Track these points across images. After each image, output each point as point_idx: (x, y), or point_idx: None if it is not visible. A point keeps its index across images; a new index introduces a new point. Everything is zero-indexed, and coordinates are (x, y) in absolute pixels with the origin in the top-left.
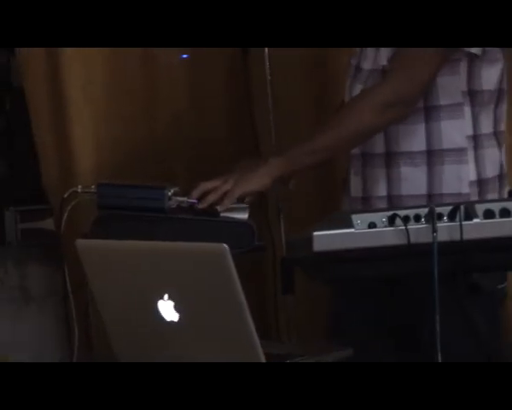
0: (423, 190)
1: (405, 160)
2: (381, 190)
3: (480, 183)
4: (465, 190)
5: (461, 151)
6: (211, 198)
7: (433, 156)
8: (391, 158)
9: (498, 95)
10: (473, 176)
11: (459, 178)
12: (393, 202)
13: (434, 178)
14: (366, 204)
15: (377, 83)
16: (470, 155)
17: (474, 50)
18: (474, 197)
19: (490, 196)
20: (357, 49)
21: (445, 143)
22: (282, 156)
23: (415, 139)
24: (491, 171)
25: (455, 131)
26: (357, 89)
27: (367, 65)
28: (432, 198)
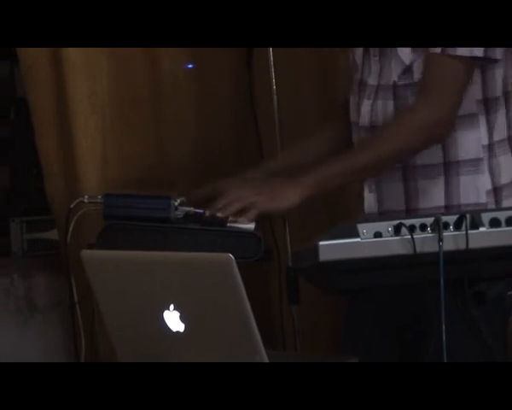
0: (441, 202)
1: (422, 173)
2: (399, 204)
3: (495, 191)
4: (482, 199)
5: (477, 161)
6: (235, 207)
7: (449, 168)
8: (408, 172)
9: (506, 98)
10: (488, 185)
11: (476, 188)
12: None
13: (452, 189)
14: None
15: (413, 105)
16: (485, 164)
17: (499, 55)
18: (491, 206)
19: (505, 203)
20: (358, 63)
21: (461, 154)
22: (313, 176)
23: (431, 152)
24: (504, 177)
25: (470, 141)
26: (366, 105)
27: (372, 80)
28: (450, 210)
